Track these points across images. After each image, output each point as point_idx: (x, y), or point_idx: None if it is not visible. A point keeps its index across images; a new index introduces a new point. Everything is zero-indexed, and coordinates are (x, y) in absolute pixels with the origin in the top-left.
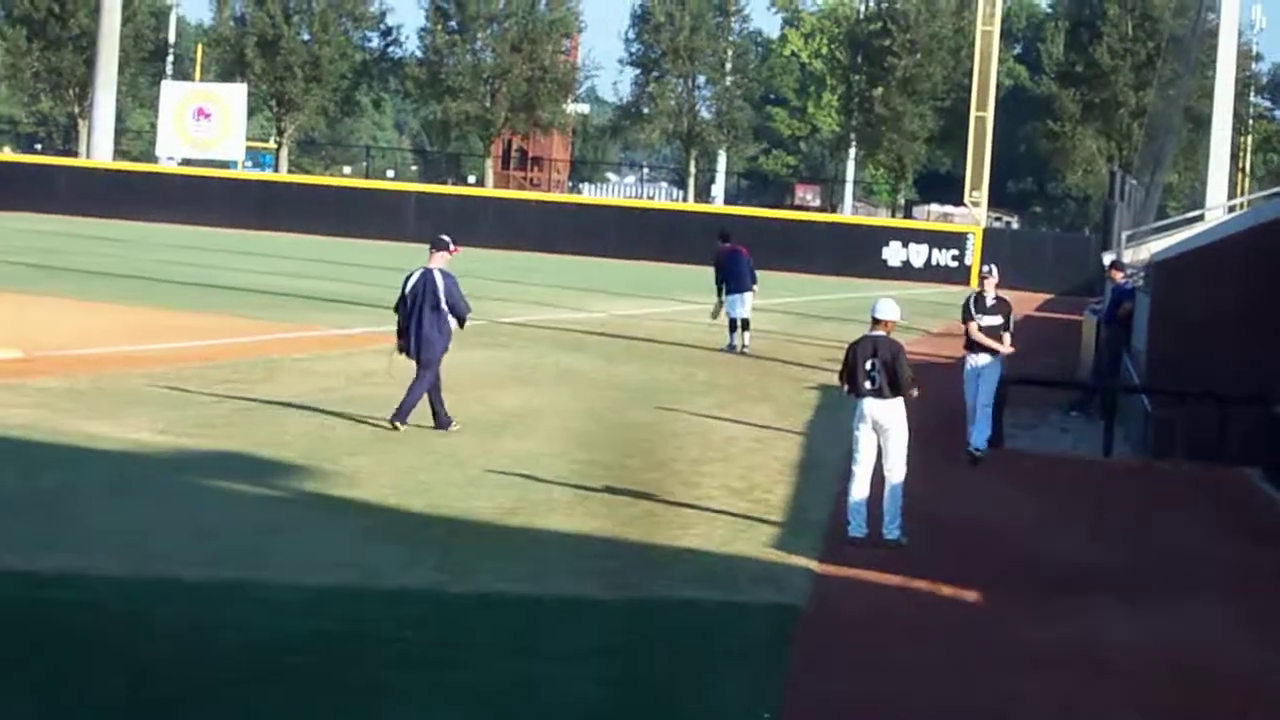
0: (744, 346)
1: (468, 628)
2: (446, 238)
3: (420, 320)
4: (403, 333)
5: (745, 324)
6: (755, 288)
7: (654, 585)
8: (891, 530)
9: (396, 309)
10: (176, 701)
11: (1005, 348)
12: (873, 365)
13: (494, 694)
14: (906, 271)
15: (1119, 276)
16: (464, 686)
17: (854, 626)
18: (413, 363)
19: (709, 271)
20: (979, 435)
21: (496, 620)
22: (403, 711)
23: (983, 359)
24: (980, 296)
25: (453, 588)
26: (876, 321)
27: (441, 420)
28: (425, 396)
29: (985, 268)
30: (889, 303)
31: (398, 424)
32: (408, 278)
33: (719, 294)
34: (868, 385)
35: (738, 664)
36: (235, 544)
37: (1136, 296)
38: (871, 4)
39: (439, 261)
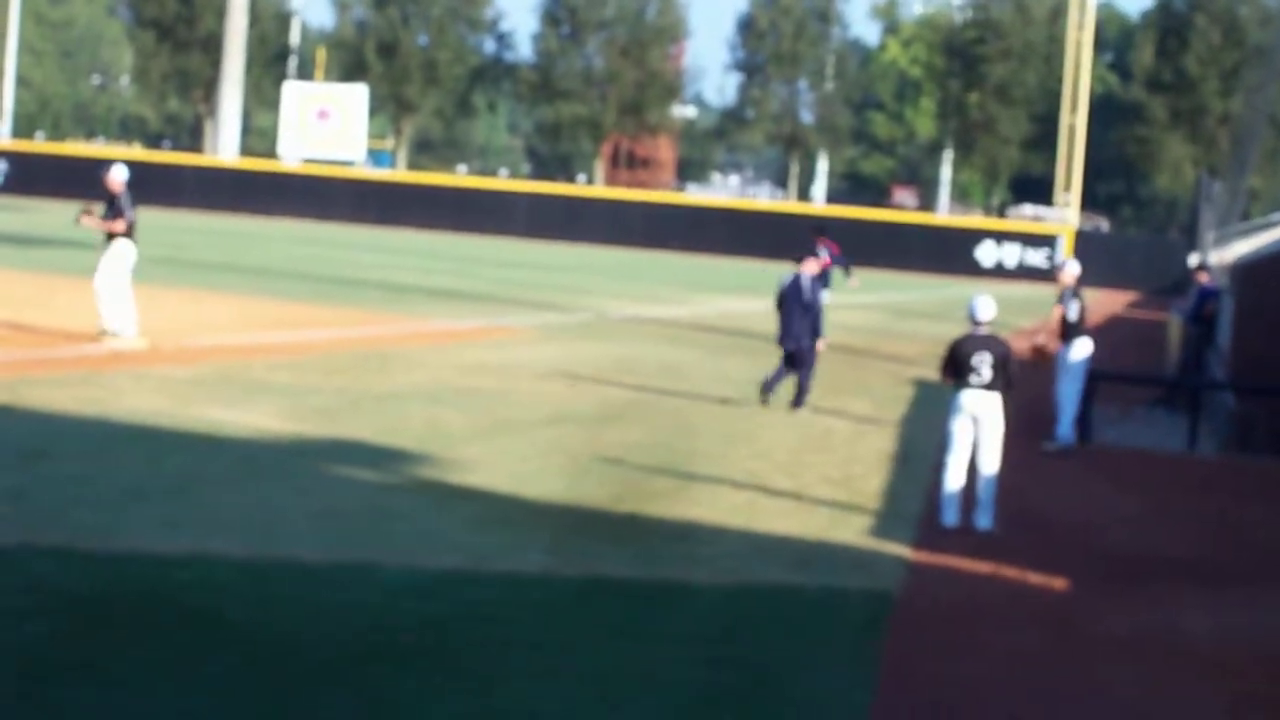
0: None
1: (577, 611)
2: (821, 249)
3: (791, 317)
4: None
5: None
6: (851, 278)
7: (755, 571)
8: (983, 519)
9: (778, 307)
10: (295, 680)
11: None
12: (981, 361)
13: (600, 676)
14: (999, 271)
15: (1204, 278)
16: (573, 668)
17: (946, 613)
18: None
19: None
20: (1061, 427)
21: (604, 604)
22: (512, 692)
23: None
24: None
25: (562, 572)
26: (978, 322)
27: (800, 400)
28: (768, 378)
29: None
30: (987, 302)
31: (765, 396)
32: (783, 281)
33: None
34: (975, 379)
35: (835, 648)
36: (353, 528)
37: (1221, 297)
38: (968, 12)
39: (810, 268)
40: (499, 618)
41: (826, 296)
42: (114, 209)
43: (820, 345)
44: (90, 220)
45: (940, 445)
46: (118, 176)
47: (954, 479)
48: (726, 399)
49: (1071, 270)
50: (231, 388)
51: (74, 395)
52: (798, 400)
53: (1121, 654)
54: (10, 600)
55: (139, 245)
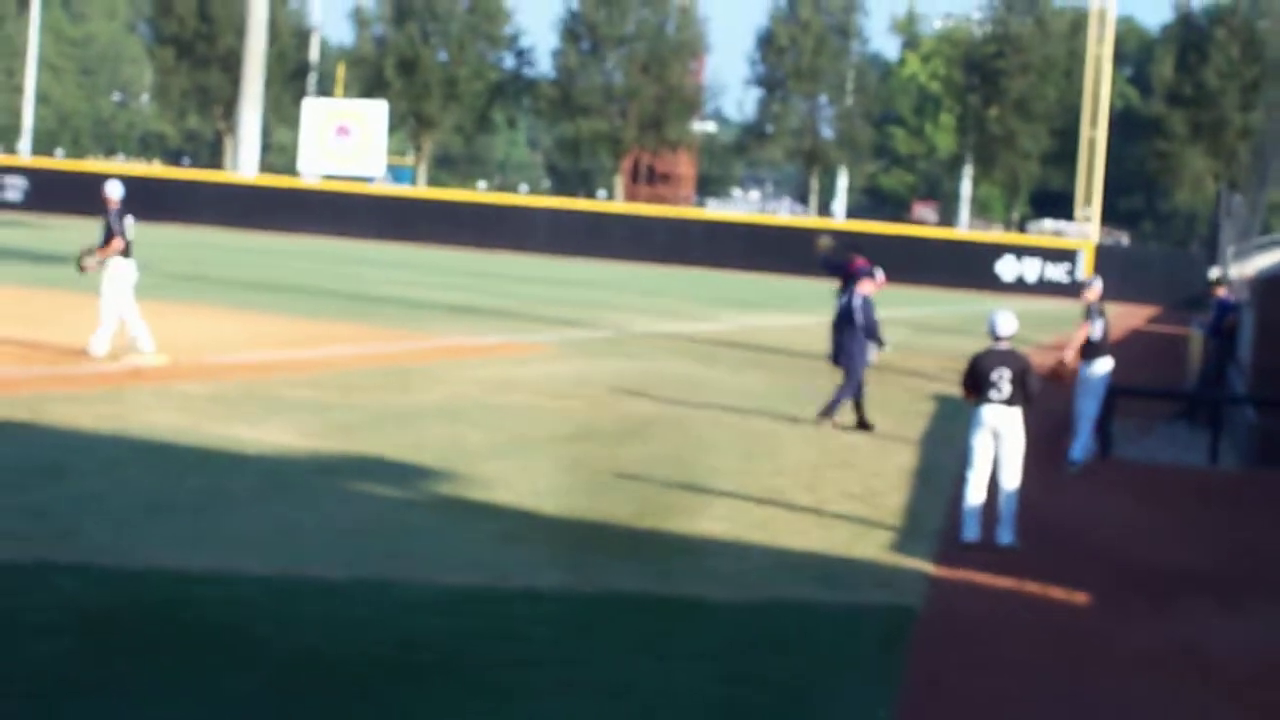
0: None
1: (596, 627)
2: (877, 270)
3: (842, 335)
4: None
5: None
6: None
7: (776, 587)
8: (1005, 535)
9: (835, 326)
10: (317, 696)
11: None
12: (1000, 376)
13: (620, 692)
14: (1019, 286)
15: (1222, 292)
16: (592, 684)
17: (968, 628)
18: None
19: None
20: (1075, 446)
21: (624, 620)
22: (532, 707)
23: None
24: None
25: (582, 588)
26: (999, 337)
27: (862, 423)
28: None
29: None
30: (1008, 317)
31: (823, 420)
32: (839, 300)
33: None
34: (995, 395)
35: (857, 663)
36: (375, 545)
37: (1241, 310)
38: (988, 27)
39: (865, 288)
40: (519, 634)
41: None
42: (108, 230)
43: (873, 356)
44: (92, 262)
45: (961, 461)
46: (113, 193)
47: (975, 494)
48: (796, 418)
49: (1096, 288)
50: (252, 405)
51: (94, 412)
52: (826, 410)
53: (1144, 669)
54: (31, 617)
55: (139, 261)
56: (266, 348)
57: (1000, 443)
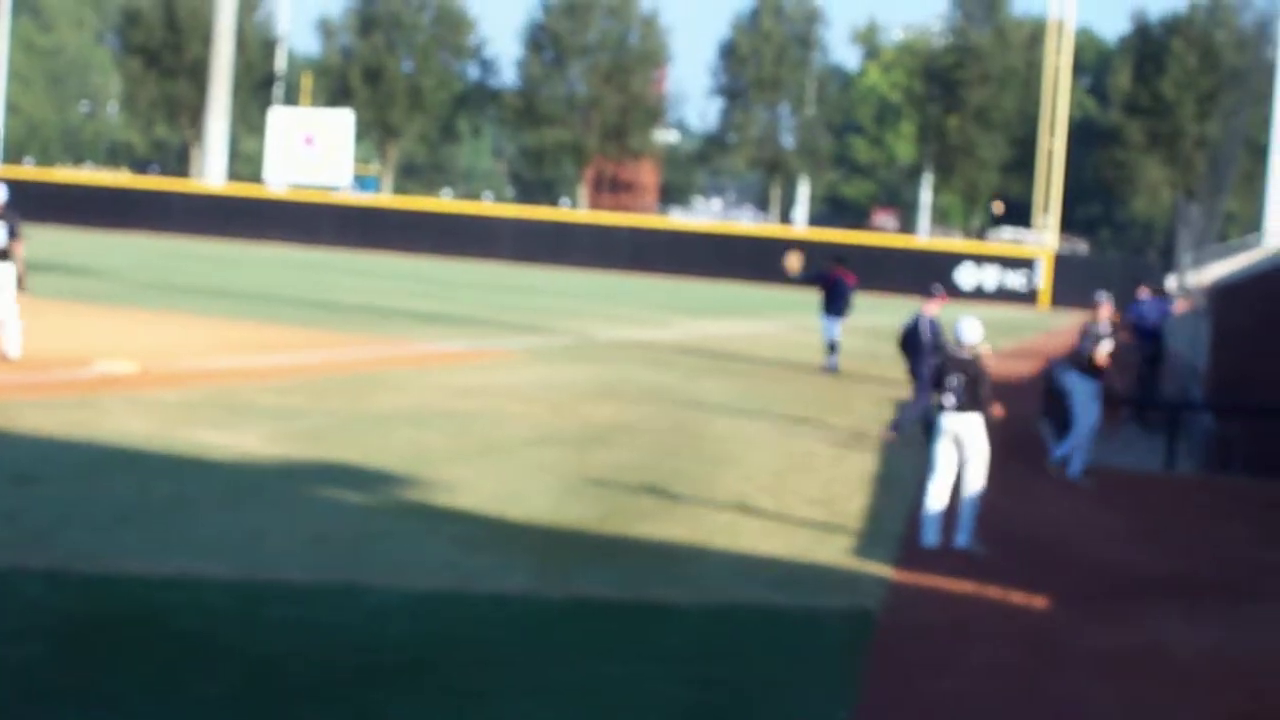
0: (833, 365)
1: (560, 631)
2: (936, 288)
3: (917, 358)
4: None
5: (834, 346)
6: (847, 316)
7: (739, 591)
8: (962, 538)
9: (901, 348)
10: (284, 700)
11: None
12: (953, 381)
13: (585, 695)
14: (978, 293)
15: (1144, 294)
16: (558, 687)
17: (927, 632)
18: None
19: (791, 293)
20: (1076, 457)
21: (588, 624)
22: (495, 710)
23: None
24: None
25: (548, 592)
26: (962, 344)
27: (896, 426)
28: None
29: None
30: (973, 324)
31: (890, 434)
32: (906, 322)
33: (809, 273)
34: (950, 401)
35: (816, 666)
36: (341, 550)
37: (1197, 318)
38: (948, 38)
39: (931, 309)
40: (486, 638)
41: (841, 327)
42: (13, 232)
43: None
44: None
45: (923, 467)
46: None
47: (935, 501)
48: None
49: (1109, 306)
50: (220, 411)
51: (63, 419)
52: (894, 425)
53: (1103, 670)
54: (1, 622)
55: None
56: (234, 354)
57: (962, 449)
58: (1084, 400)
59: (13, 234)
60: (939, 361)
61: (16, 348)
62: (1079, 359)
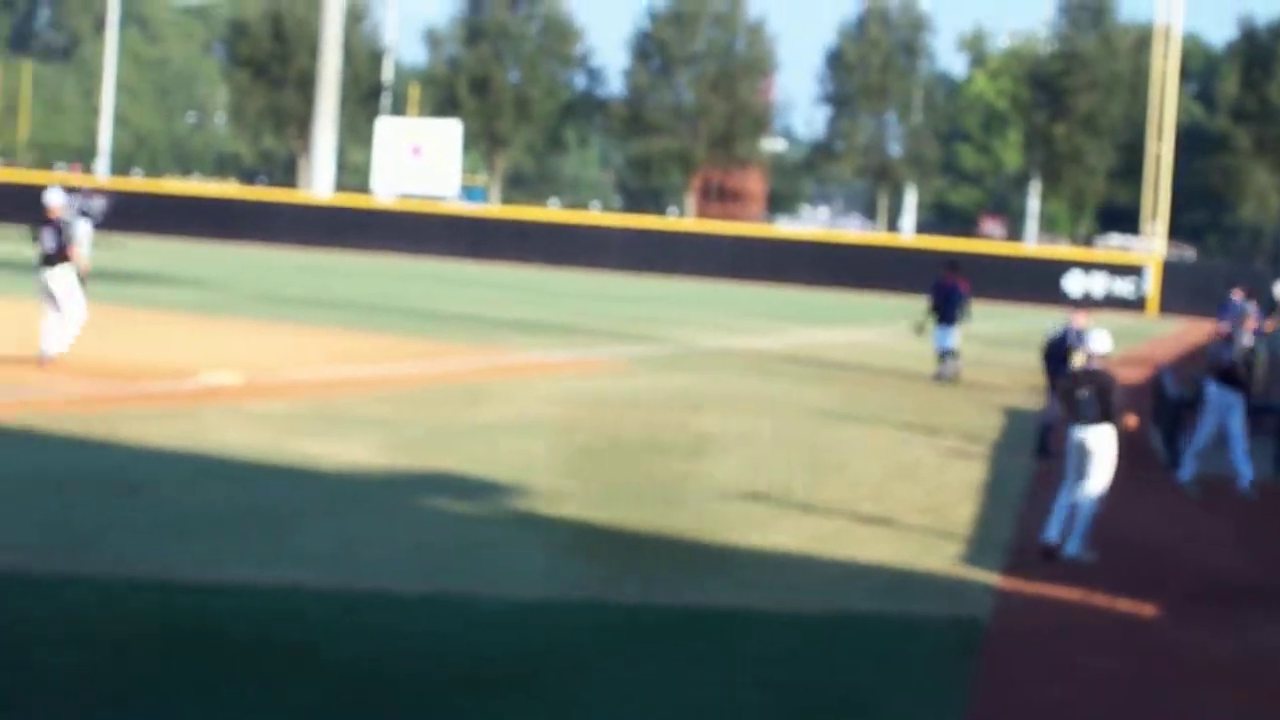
0: (945, 374)
1: (665, 640)
2: (1086, 297)
3: (1060, 369)
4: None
5: (949, 354)
6: (960, 322)
7: (844, 598)
8: (1073, 546)
9: (1045, 358)
10: (384, 710)
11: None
12: (1085, 393)
13: (689, 704)
14: (1086, 301)
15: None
16: (660, 696)
17: (1036, 639)
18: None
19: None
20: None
21: (692, 633)
22: (599, 719)
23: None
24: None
25: (652, 601)
26: (1092, 355)
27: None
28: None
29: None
30: (1103, 336)
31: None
32: (1051, 332)
33: (926, 315)
34: (1080, 412)
35: (924, 673)
36: (444, 560)
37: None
38: (1054, 45)
39: (1080, 319)
40: (589, 646)
41: (958, 334)
42: (60, 237)
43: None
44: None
45: (1030, 474)
46: (58, 201)
47: (1064, 499)
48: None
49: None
50: (324, 421)
51: (168, 429)
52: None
53: (1213, 679)
54: (105, 630)
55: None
56: (340, 364)
57: (1089, 459)
58: (1217, 409)
59: (68, 237)
60: (1068, 373)
61: (61, 346)
62: (1220, 367)
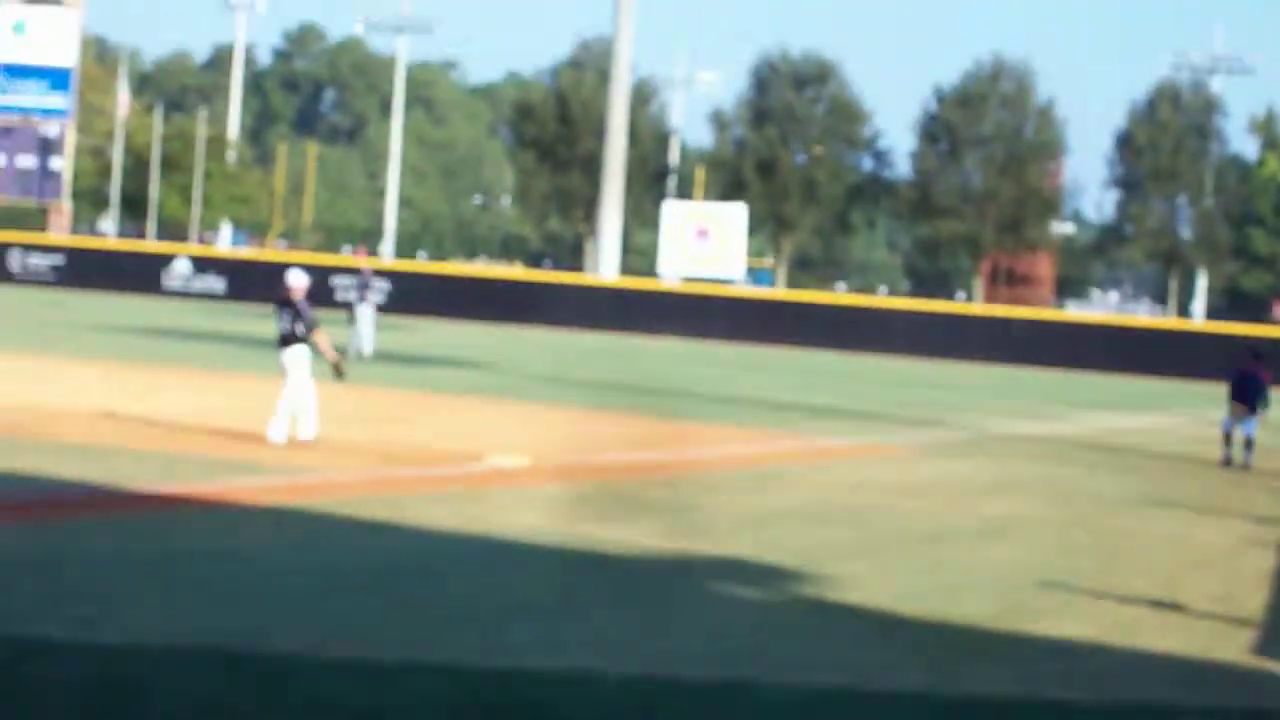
0: (1243, 463)
1: None
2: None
3: None
4: None
5: (1247, 442)
6: (1262, 412)
7: (1137, 689)
8: None
9: None
10: None
11: None
12: None
13: None
14: None
15: None
16: None
17: None
18: None
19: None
20: None
21: None
22: None
23: None
24: None
25: (944, 690)
26: None
27: None
28: None
29: None
30: None
31: None
32: None
33: (1229, 406)
34: None
35: None
36: (734, 646)
37: None
38: None
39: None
40: None
41: (1257, 423)
42: (300, 318)
43: None
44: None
45: None
46: (300, 282)
47: None
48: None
49: None
50: (613, 505)
51: (455, 512)
52: None
53: None
54: (394, 716)
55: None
56: (627, 449)
57: None
58: None
59: (304, 320)
60: None
61: (312, 430)
62: None
